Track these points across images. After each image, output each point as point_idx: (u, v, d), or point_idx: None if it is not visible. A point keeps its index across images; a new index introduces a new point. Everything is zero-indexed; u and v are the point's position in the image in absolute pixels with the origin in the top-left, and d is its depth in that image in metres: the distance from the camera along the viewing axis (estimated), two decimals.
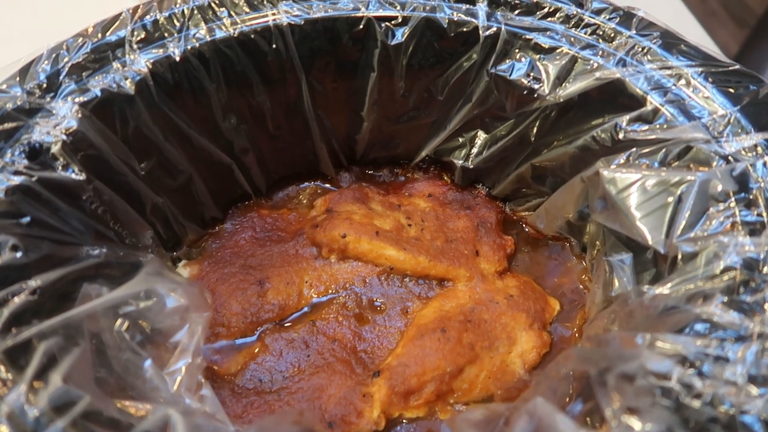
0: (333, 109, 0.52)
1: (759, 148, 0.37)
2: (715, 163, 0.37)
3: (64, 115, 0.39)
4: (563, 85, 0.45)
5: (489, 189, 0.57)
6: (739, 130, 0.38)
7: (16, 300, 0.31)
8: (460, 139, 0.54)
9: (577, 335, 0.48)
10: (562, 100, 0.45)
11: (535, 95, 0.46)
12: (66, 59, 0.41)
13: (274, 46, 0.46)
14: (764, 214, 0.34)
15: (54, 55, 0.41)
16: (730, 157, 0.37)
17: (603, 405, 0.27)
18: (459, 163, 0.54)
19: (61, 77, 0.40)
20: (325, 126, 0.54)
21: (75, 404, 0.28)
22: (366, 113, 0.53)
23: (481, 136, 0.53)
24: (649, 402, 0.27)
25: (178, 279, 0.40)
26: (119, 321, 0.36)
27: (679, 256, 0.36)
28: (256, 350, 0.46)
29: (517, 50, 0.46)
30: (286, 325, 0.47)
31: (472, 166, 0.54)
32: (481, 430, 0.29)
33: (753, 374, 0.28)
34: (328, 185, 0.58)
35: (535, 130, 0.49)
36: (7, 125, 0.38)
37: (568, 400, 0.35)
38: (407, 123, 0.54)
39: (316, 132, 0.53)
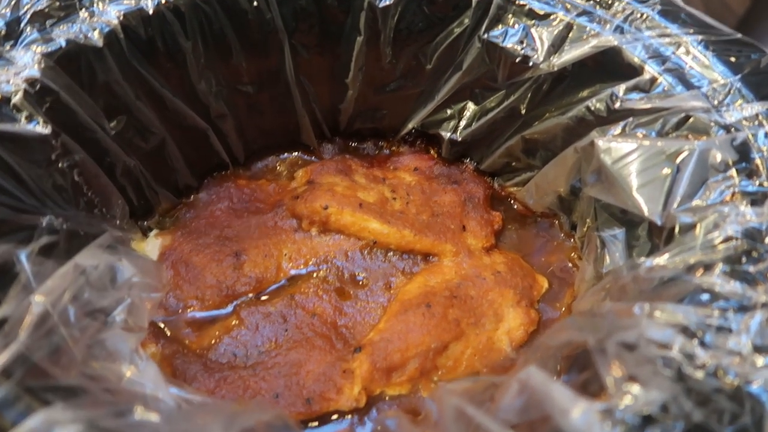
0: (316, 75, 0.50)
1: (760, 118, 0.36)
2: (714, 133, 0.36)
3: (24, 65, 0.36)
4: (558, 53, 0.43)
5: (477, 164, 0.55)
6: (740, 100, 0.37)
7: None
8: (449, 111, 0.52)
9: (565, 314, 0.47)
10: (556, 69, 0.44)
11: (529, 64, 0.44)
12: (27, 6, 0.38)
13: (255, 4, 0.44)
14: (766, 184, 0.33)
15: (13, 1, 0.38)
16: (730, 127, 0.36)
17: (603, 373, 0.26)
18: (447, 135, 0.52)
19: (21, 25, 0.37)
20: (308, 93, 0.51)
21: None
22: (351, 81, 0.50)
23: (471, 108, 0.51)
24: (651, 371, 0.25)
25: (132, 252, 0.37)
26: (66, 295, 0.32)
27: (677, 228, 0.34)
28: (232, 324, 0.43)
29: (510, 16, 0.45)
30: (263, 298, 0.45)
31: (460, 139, 0.52)
32: (466, 400, 0.28)
33: (758, 344, 0.26)
34: (309, 157, 0.56)
35: (526, 101, 0.47)
36: None
37: (556, 375, 0.34)
38: (394, 92, 0.52)
39: (297, 99, 0.51)
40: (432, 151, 0.56)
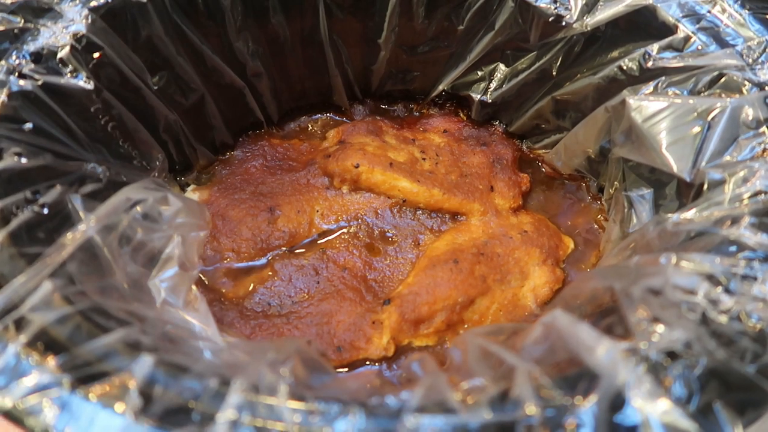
0: (350, 36, 0.51)
1: None
2: (747, 91, 0.36)
3: (72, 19, 0.38)
4: (591, 12, 0.43)
5: (506, 126, 0.55)
6: None
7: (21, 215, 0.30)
8: (479, 73, 0.52)
9: None
10: (589, 29, 0.44)
11: (562, 23, 0.45)
12: None
13: None
14: None
15: None
16: (764, 85, 0.36)
17: (628, 315, 0.26)
18: (477, 96, 0.53)
19: None
20: (341, 54, 0.52)
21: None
22: (383, 41, 0.51)
23: (501, 69, 0.51)
24: (675, 314, 0.26)
25: (177, 193, 0.39)
26: (119, 227, 0.34)
27: (705, 184, 0.35)
28: (266, 275, 0.45)
29: None
30: (296, 252, 0.47)
31: (490, 101, 0.52)
32: (490, 338, 0.29)
33: None
34: (340, 118, 0.57)
35: (558, 62, 0.47)
36: (13, 24, 0.36)
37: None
38: (425, 54, 0.53)
39: (331, 60, 0.52)
40: (461, 114, 0.57)
